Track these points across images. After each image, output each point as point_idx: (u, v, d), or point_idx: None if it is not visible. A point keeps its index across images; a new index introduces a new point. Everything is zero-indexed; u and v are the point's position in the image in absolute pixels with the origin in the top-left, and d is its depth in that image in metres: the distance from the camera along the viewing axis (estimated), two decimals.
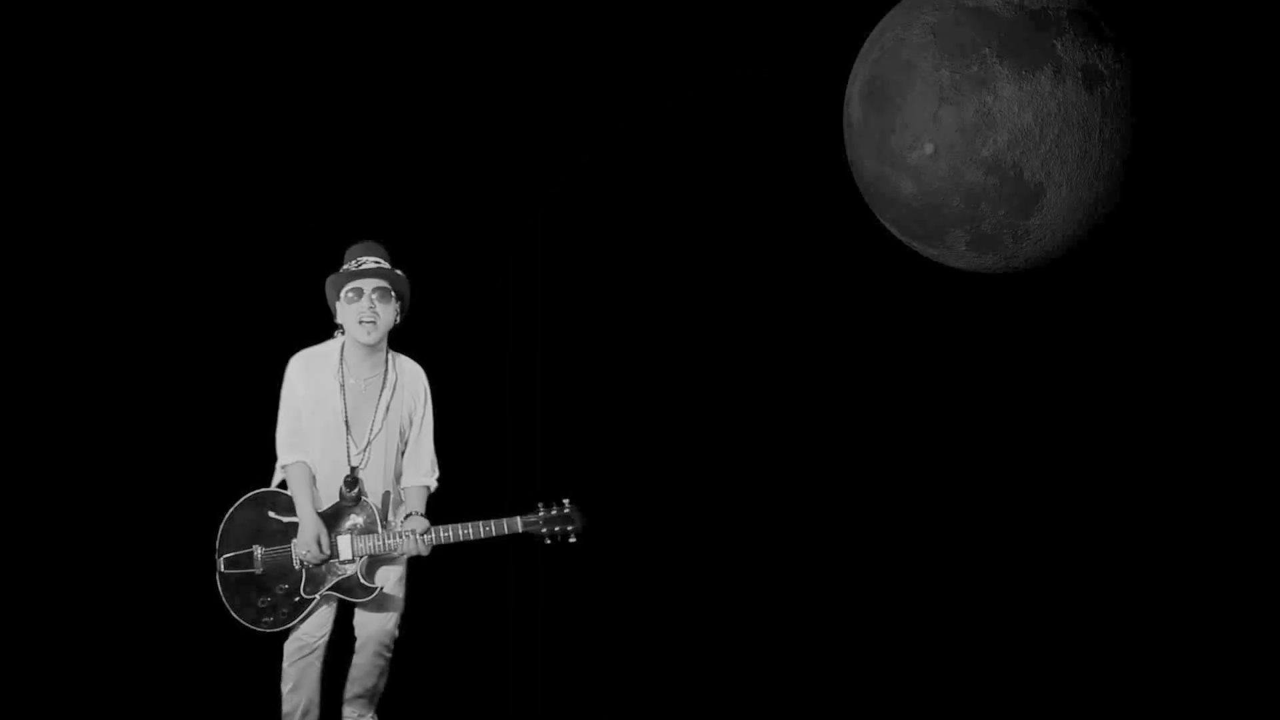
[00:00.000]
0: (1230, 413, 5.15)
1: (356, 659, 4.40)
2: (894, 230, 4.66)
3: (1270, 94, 4.82)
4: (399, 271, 4.37)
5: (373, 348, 4.36)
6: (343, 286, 4.34)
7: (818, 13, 5.15)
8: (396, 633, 4.40)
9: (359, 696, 4.39)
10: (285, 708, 4.34)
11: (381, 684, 4.41)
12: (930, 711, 4.88)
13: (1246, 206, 4.95)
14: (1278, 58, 4.78)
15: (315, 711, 4.35)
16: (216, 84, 5.27)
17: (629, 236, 5.55)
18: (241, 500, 4.36)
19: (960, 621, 5.33)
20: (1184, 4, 4.76)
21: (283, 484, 4.39)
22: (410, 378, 4.46)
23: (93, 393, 5.30)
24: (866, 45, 4.56)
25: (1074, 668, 5.03)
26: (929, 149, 4.25)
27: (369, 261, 4.35)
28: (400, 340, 4.46)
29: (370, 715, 4.41)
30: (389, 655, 4.40)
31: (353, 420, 4.36)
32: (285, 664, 4.34)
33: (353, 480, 4.31)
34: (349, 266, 4.36)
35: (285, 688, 4.34)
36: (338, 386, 4.36)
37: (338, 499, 4.33)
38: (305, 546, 4.26)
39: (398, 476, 4.43)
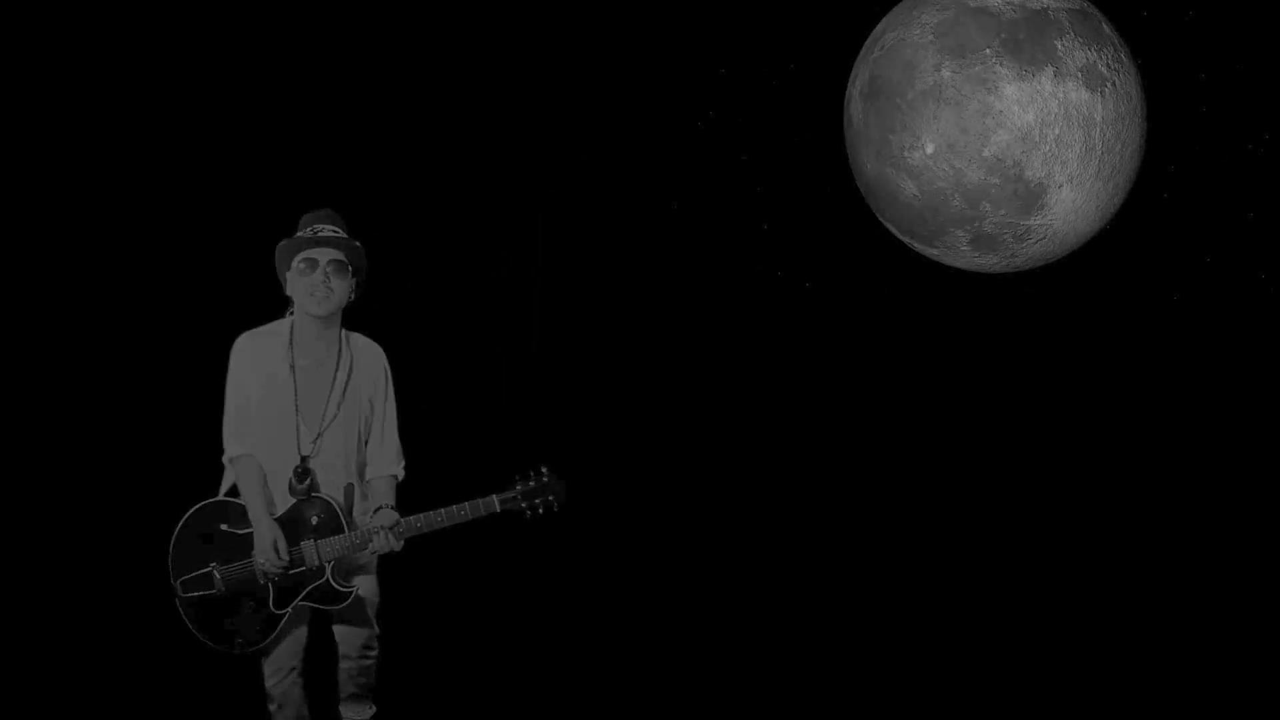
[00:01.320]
0: (1230, 412, 5.15)
1: (343, 664, 4.17)
2: (894, 230, 4.66)
3: (1272, 94, 4.82)
4: (357, 243, 4.01)
5: (325, 324, 3.99)
6: (295, 255, 3.95)
7: (818, 13, 5.15)
8: (378, 629, 4.14)
9: (353, 696, 4.19)
10: (273, 710, 4.14)
11: (373, 679, 4.18)
12: (926, 711, 4.87)
13: (1247, 206, 4.95)
14: (1278, 57, 4.79)
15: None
16: (217, 81, 5.25)
17: (628, 236, 5.54)
18: (188, 516, 3.96)
19: (956, 620, 5.32)
20: (1185, 4, 4.76)
21: (232, 491, 4.01)
22: (368, 357, 4.08)
23: (21, 392, 5.10)
24: (866, 45, 4.56)
25: (1072, 669, 5.03)
26: (929, 149, 4.25)
27: (325, 230, 3.98)
28: (391, 336, 4.18)
29: (368, 707, 4.20)
30: (375, 653, 4.15)
31: (304, 404, 3.96)
32: (267, 684, 4.10)
33: (303, 471, 3.93)
34: (303, 234, 3.98)
35: (271, 707, 4.13)
36: (287, 368, 3.98)
37: (289, 493, 3.95)
38: (262, 555, 3.89)
39: (361, 468, 4.08)
